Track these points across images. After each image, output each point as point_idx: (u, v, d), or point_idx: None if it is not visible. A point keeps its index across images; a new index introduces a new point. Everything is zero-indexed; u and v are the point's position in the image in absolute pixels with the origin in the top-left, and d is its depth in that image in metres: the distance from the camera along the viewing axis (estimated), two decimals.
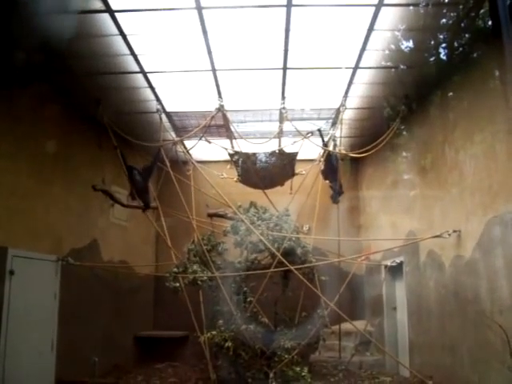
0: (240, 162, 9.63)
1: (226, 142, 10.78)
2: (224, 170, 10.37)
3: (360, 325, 9.78)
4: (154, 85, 8.86)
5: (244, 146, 9.79)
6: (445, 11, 6.95)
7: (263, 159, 9.58)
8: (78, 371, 9.16)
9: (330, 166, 9.76)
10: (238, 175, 9.84)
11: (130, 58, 7.92)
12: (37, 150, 8.50)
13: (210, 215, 10.57)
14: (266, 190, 10.15)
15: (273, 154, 9.58)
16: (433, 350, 8.35)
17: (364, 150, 9.46)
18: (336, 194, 9.92)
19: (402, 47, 7.68)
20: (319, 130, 9.70)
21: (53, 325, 8.60)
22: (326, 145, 9.82)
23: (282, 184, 10.18)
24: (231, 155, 9.75)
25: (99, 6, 6.53)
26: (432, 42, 7.59)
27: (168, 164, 9.71)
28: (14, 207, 7.89)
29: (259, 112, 10.17)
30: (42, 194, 8.58)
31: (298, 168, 10.00)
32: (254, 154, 9.54)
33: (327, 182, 10.05)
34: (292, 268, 8.83)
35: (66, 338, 8.75)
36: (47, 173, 8.75)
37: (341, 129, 9.71)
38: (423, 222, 8.83)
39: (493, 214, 6.44)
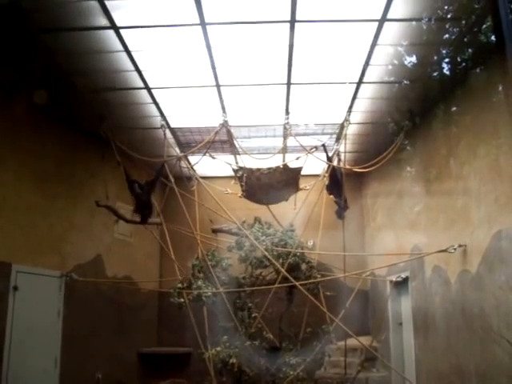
0: (244, 177, 9.60)
1: (230, 158, 10.80)
2: (228, 185, 10.34)
3: (365, 341, 9.68)
4: (158, 100, 8.90)
5: (248, 162, 9.79)
6: (448, 26, 6.96)
7: (267, 175, 9.55)
8: None
9: (335, 181, 9.71)
10: (242, 191, 9.81)
11: (135, 74, 7.97)
12: (41, 165, 8.54)
13: (215, 231, 10.54)
14: (270, 206, 10.13)
15: (277, 169, 9.55)
16: (439, 365, 8.25)
17: (368, 164, 9.44)
18: (341, 210, 9.85)
19: (406, 62, 7.70)
20: (323, 146, 9.68)
21: (56, 341, 8.58)
22: (330, 160, 9.79)
23: (286, 199, 10.14)
24: (235, 171, 9.74)
25: (104, 22, 6.58)
26: (435, 57, 7.60)
27: (172, 180, 9.70)
28: (18, 223, 7.92)
29: (263, 127, 10.18)
30: (46, 209, 8.61)
31: (303, 183, 9.98)
32: (259, 170, 9.51)
33: (332, 197, 9.99)
34: (297, 284, 8.79)
35: (69, 355, 8.72)
36: (51, 188, 8.79)
37: (345, 144, 9.70)
38: (428, 236, 8.78)
39: (498, 228, 6.39)
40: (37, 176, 8.41)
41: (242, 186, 9.73)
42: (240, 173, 9.67)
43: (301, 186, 9.94)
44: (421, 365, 9.13)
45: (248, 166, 9.67)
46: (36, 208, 8.36)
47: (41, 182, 8.51)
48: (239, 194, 9.90)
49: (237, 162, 10.65)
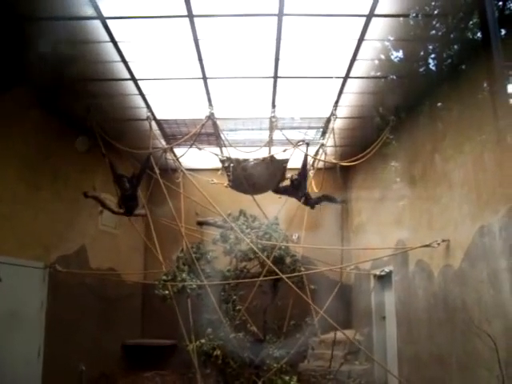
0: (231, 167, 9.58)
1: (216, 151, 10.76)
2: (214, 177, 10.32)
3: (349, 334, 9.76)
4: (144, 92, 8.84)
5: (234, 155, 9.76)
6: (435, 22, 7.00)
7: (254, 165, 9.53)
8: (65, 380, 9.10)
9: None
10: (229, 180, 9.78)
11: (121, 65, 7.89)
12: (26, 156, 8.46)
13: (200, 223, 10.53)
14: (256, 198, 10.11)
15: (264, 160, 9.54)
16: (421, 359, 8.34)
17: (354, 159, 9.46)
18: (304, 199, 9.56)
19: (393, 57, 7.74)
20: (307, 144, 9.59)
21: (40, 333, 8.53)
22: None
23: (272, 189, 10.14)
24: (222, 161, 9.72)
25: (90, 12, 6.51)
26: (422, 53, 7.65)
27: (158, 171, 9.65)
28: (2, 213, 7.83)
29: (249, 120, 10.18)
30: (29, 200, 8.53)
31: (289, 175, 9.98)
32: (246, 160, 9.49)
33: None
34: (283, 276, 8.81)
35: (52, 346, 8.67)
36: (36, 179, 8.70)
37: (333, 138, 9.70)
38: (412, 231, 8.85)
39: (481, 224, 6.46)
40: (21, 166, 8.32)
41: (228, 175, 9.71)
42: (227, 163, 9.65)
43: (287, 177, 9.94)
44: (403, 357, 9.23)
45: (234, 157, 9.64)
46: (20, 199, 8.27)
47: (25, 172, 8.41)
48: (225, 184, 9.88)
49: (223, 155, 10.61)
